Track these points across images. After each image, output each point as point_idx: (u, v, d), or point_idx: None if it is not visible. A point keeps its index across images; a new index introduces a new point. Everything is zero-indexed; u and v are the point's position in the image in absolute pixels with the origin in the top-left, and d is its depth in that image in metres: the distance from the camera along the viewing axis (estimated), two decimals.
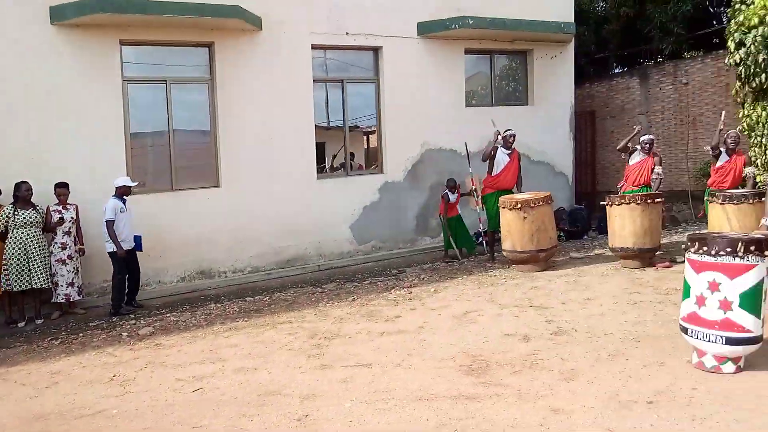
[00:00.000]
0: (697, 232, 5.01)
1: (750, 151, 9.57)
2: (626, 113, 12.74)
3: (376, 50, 9.66)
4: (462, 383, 4.26)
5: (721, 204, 6.90)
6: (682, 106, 11.59)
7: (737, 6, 9.25)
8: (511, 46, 10.72)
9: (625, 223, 7.46)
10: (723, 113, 8.78)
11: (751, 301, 3.90)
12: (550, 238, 7.82)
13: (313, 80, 9.22)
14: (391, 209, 10.04)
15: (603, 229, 9.75)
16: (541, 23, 10.23)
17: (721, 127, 8.20)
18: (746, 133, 9.52)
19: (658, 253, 7.72)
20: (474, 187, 9.22)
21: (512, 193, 8.57)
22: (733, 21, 9.22)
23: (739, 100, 9.86)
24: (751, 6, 9.04)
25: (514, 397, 3.96)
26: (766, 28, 8.81)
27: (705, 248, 4.02)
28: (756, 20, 8.89)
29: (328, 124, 10.18)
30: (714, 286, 3.99)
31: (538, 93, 11.17)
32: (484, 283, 7.54)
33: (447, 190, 9.44)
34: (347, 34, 9.17)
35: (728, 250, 3.91)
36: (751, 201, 6.75)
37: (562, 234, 10.71)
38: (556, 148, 11.44)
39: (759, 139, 9.36)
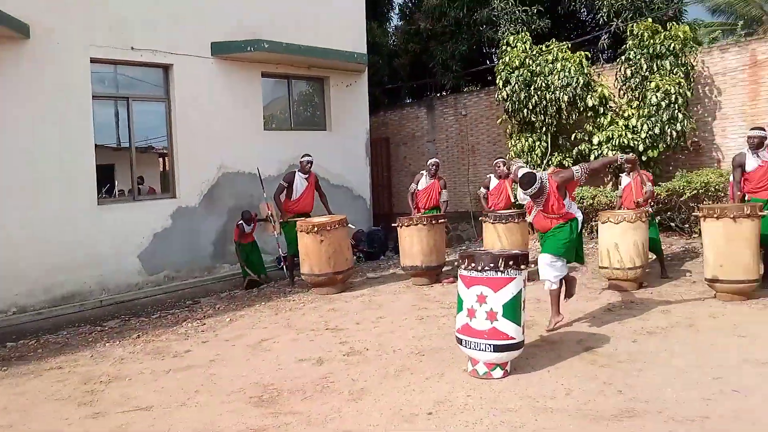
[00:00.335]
0: (468, 249, 5.44)
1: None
2: (416, 140, 13.67)
3: (166, 68, 9.14)
4: (250, 416, 4.10)
5: (492, 223, 7.65)
6: (462, 135, 12.77)
7: (504, 48, 10.51)
8: (308, 72, 10.90)
9: (413, 242, 7.92)
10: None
11: (512, 310, 4.33)
12: (346, 260, 8.00)
13: (94, 96, 8.40)
14: (186, 236, 9.47)
15: (398, 249, 10.28)
16: (335, 52, 10.56)
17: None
18: (513, 160, 10.77)
19: (444, 269, 8.31)
20: (270, 212, 9.09)
21: (310, 216, 8.63)
22: (500, 61, 10.44)
23: (507, 131, 11.17)
24: (514, 49, 10.33)
25: (303, 424, 3.90)
26: (525, 70, 10.13)
27: (473, 264, 4.39)
28: (518, 62, 10.17)
29: (118, 144, 9.36)
30: (482, 299, 4.36)
31: (335, 119, 11.48)
32: (282, 308, 7.44)
33: (242, 222, 9.19)
34: (133, 49, 8.54)
35: (492, 265, 4.30)
36: (516, 220, 7.58)
37: (361, 255, 11.07)
38: (354, 172, 11.82)
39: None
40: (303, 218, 8.26)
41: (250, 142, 10.01)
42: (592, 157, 9.77)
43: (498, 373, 4.42)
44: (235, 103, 9.80)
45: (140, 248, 8.92)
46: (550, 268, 5.41)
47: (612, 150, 9.47)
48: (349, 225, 8.40)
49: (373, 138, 13.79)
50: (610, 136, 9.58)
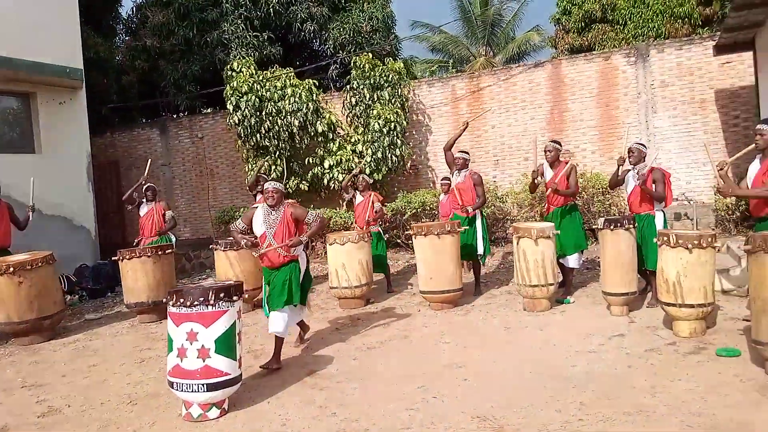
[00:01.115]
0: (178, 286, 5.10)
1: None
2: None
3: None
4: None
5: (224, 251, 7.39)
6: (200, 158, 12.28)
7: (230, 73, 10.36)
8: (7, 86, 9.39)
9: (137, 276, 7.26)
10: None
11: (226, 345, 4.14)
12: (54, 303, 6.95)
13: None
14: None
15: None
16: (42, 66, 9.29)
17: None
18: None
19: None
20: None
21: (9, 253, 7.35)
22: (228, 86, 10.27)
23: (243, 155, 11.04)
24: (240, 74, 10.25)
25: None
26: (254, 96, 10.11)
27: (182, 300, 4.10)
28: (246, 87, 10.12)
29: None
30: (192, 336, 4.08)
31: (47, 140, 10.09)
32: None
33: None
34: None
35: (201, 299, 4.06)
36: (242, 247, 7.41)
37: (84, 293, 9.83)
38: (73, 200, 10.52)
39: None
40: None
41: None
42: (325, 180, 10.15)
43: (214, 413, 4.18)
44: None
45: None
46: (280, 319, 5.09)
47: (342, 173, 9.96)
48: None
49: (100, 161, 12.55)
50: (340, 160, 10.08)
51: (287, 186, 10.47)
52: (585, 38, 14.29)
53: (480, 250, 7.09)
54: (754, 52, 8.10)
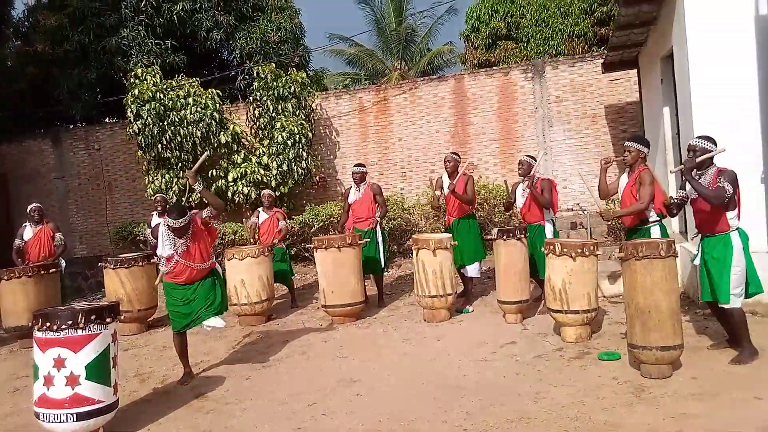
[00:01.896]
0: (44, 309, 4.77)
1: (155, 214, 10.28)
2: (42, 177, 11.99)
3: None
4: None
5: (113, 269, 6.99)
6: (97, 171, 11.65)
7: (132, 80, 9.91)
8: None
9: (17, 299, 6.73)
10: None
11: (98, 370, 3.87)
12: None
13: None
14: None
15: None
16: None
17: None
18: (151, 198, 10.18)
19: None
20: None
21: None
22: (130, 93, 9.81)
23: (144, 168, 10.53)
24: (144, 82, 9.84)
25: None
26: (157, 104, 9.72)
27: (48, 324, 3.81)
28: (149, 95, 9.71)
29: None
30: (60, 363, 3.79)
31: None
32: None
33: None
34: None
35: (70, 323, 3.79)
36: (141, 264, 7.06)
37: None
38: None
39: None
40: None
41: None
42: (229, 193, 9.88)
43: None
44: None
45: None
46: (220, 320, 5.11)
47: (247, 186, 9.71)
48: None
49: None
50: (245, 172, 9.85)
51: (189, 200, 10.08)
52: (492, 54, 14.80)
53: (382, 261, 7.09)
54: (638, 69, 8.64)
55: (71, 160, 11.78)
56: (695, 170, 4.35)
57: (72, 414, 3.79)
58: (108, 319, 3.96)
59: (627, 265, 4.22)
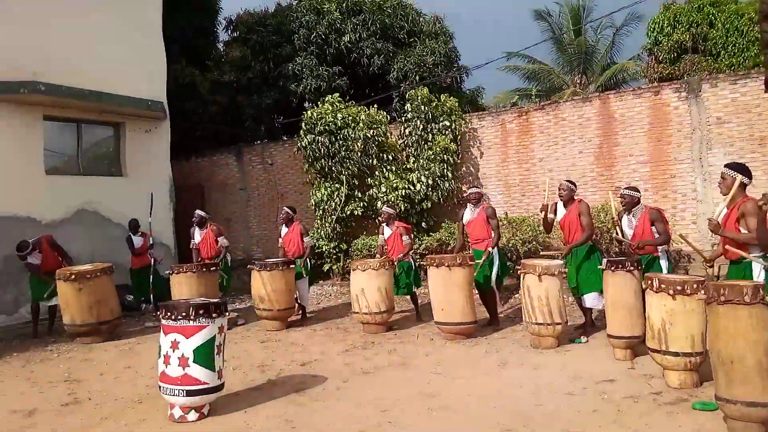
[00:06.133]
0: (168, 302, 5.68)
1: (315, 222, 11.38)
2: (229, 187, 13.87)
3: None
4: None
5: (258, 271, 7.96)
6: (271, 183, 13.18)
7: (312, 106, 11.04)
8: (100, 117, 10.76)
9: (183, 290, 7.95)
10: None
11: (203, 356, 4.63)
12: (111, 310, 7.87)
13: None
14: None
15: None
16: (127, 99, 10.55)
17: None
18: (313, 207, 11.30)
19: None
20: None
21: None
22: (306, 113, 10.95)
23: (310, 179, 11.69)
24: (325, 105, 10.92)
25: None
26: (328, 123, 10.71)
27: (169, 314, 4.66)
28: (324, 116, 10.72)
29: None
30: (175, 345, 4.62)
31: (133, 165, 11.35)
32: (34, 359, 7.16)
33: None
34: None
35: (184, 314, 4.60)
36: (280, 268, 7.96)
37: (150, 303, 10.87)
38: (156, 219, 11.67)
39: (321, 213, 11.23)
40: None
41: (28, 187, 9.62)
42: (378, 204, 10.53)
43: (193, 416, 4.67)
44: (10, 145, 9.41)
45: None
46: None
47: (397, 200, 10.26)
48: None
49: (187, 183, 13.79)
50: (395, 186, 10.46)
51: (344, 210, 10.93)
52: (677, 68, 13.78)
53: (493, 281, 7.14)
54: None
55: (251, 173, 13.49)
56: None
57: (182, 390, 4.58)
58: (214, 314, 4.71)
59: (710, 308, 3.90)
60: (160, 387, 4.74)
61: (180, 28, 13.11)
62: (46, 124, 9.98)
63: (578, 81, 24.01)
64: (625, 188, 6.12)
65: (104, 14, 10.58)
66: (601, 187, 9.52)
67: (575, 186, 6.67)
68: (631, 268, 5.68)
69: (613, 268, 5.71)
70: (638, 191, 6.08)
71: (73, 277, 7.49)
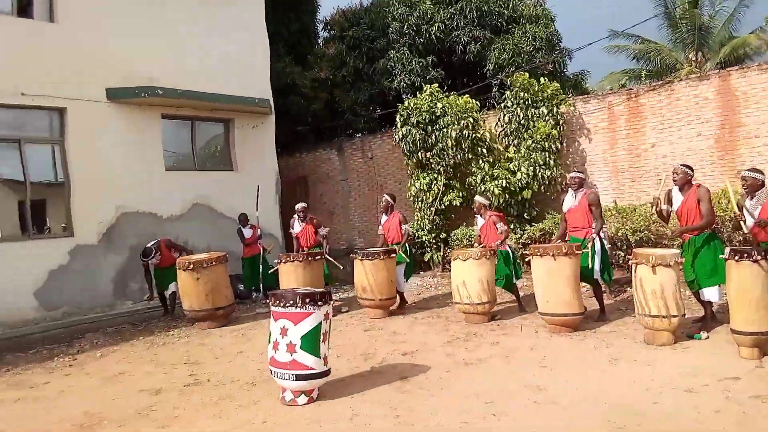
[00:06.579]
0: (277, 290, 5.89)
1: (414, 213, 11.45)
2: (331, 180, 14.25)
3: (61, 112, 9.52)
4: None
5: (360, 260, 8.12)
6: (371, 175, 13.39)
7: (409, 97, 11.13)
8: (211, 114, 11.39)
9: (290, 278, 8.30)
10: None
11: (310, 343, 4.80)
12: (225, 297, 8.35)
13: None
14: (85, 273, 9.75)
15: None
16: (236, 98, 11.09)
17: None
18: (412, 198, 11.38)
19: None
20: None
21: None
22: (402, 105, 11.05)
23: (408, 171, 11.78)
24: (423, 94, 10.96)
25: None
26: (424, 114, 10.74)
27: (278, 301, 4.87)
28: (421, 106, 10.76)
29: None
30: (284, 332, 4.82)
31: (242, 159, 11.95)
32: (157, 343, 7.76)
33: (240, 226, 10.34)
34: (23, 94, 8.92)
35: (291, 302, 4.79)
36: (381, 257, 8.07)
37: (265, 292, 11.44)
38: (263, 211, 12.23)
39: (420, 204, 11.28)
40: None
41: (150, 183, 10.40)
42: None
43: (303, 399, 4.86)
44: (133, 144, 10.20)
45: (36, 285, 9.17)
46: None
47: (497, 189, 10.08)
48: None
49: (292, 177, 14.34)
50: (495, 175, 10.28)
51: (442, 200, 10.92)
52: None
53: (597, 272, 6.83)
54: None
55: (351, 166, 13.78)
56: None
57: (292, 374, 4.78)
58: (320, 303, 4.86)
59: None
60: (270, 371, 4.97)
61: (285, 27, 13.63)
62: (164, 122, 10.72)
63: (693, 59, 22.32)
64: (748, 170, 5.62)
65: (212, 17, 11.20)
66: (721, 171, 8.82)
67: (692, 170, 6.21)
68: (759, 257, 5.21)
69: (737, 258, 5.27)
70: (762, 173, 5.56)
71: (191, 266, 8.01)
